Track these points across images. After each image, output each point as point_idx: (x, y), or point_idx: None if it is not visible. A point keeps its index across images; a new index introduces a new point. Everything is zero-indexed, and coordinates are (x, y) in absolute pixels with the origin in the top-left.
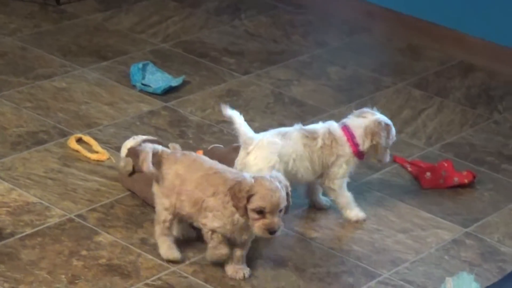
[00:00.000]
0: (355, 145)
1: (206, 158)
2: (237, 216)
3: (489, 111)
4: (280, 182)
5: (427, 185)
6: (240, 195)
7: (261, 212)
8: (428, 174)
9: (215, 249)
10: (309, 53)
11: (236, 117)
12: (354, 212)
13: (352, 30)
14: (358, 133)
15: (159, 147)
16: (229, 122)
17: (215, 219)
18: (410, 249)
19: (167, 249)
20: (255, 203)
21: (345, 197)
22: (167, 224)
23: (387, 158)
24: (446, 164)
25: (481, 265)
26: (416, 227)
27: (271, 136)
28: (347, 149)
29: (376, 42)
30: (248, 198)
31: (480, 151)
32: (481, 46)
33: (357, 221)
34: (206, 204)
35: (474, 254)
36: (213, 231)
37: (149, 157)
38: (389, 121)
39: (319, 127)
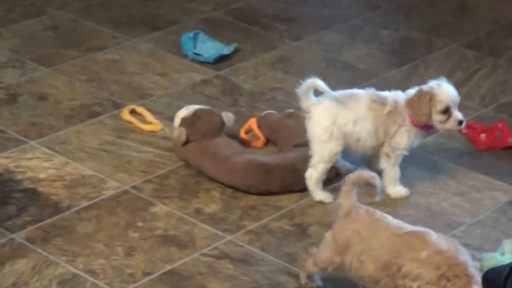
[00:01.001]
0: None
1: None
2: None
3: None
4: None
5: (482, 147)
6: None
7: None
8: (483, 135)
9: None
10: (360, 17)
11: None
12: (397, 189)
13: None
14: None
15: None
16: (281, 89)
17: None
18: (466, 212)
19: None
20: None
21: (395, 172)
22: (322, 272)
23: (450, 125)
24: (500, 125)
25: None
26: (472, 190)
27: (330, 99)
28: (407, 119)
29: (427, 3)
30: None
31: None
32: None
33: (395, 198)
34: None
35: None
36: None
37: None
38: (435, 87)
39: (389, 94)
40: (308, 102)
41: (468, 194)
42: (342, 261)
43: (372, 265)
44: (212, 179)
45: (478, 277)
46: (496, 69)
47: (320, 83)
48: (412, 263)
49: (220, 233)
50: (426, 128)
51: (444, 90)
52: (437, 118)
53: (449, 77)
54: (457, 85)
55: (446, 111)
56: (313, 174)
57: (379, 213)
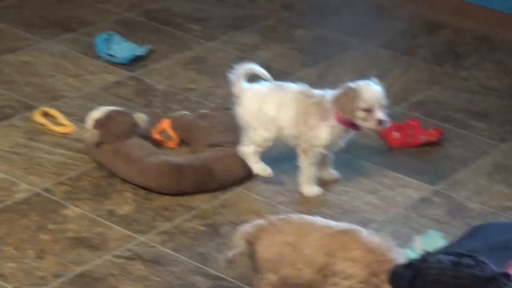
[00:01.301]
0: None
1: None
2: None
3: (455, 68)
4: None
5: (395, 145)
6: None
7: None
8: (395, 133)
9: None
10: (274, 16)
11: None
12: (311, 188)
13: None
14: None
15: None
16: (195, 90)
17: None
18: (378, 209)
19: None
20: None
21: (311, 171)
22: None
23: (371, 124)
24: (413, 123)
25: (449, 222)
26: (384, 187)
27: (260, 86)
28: (331, 114)
29: (342, 3)
30: None
31: (447, 108)
32: (446, 3)
33: (308, 197)
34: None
35: (442, 212)
36: None
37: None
38: (362, 85)
39: (319, 91)
40: (239, 87)
41: (380, 191)
42: (280, 277)
43: (308, 270)
44: (125, 181)
45: None
46: (410, 68)
47: (257, 68)
48: (345, 262)
49: (133, 234)
50: (351, 126)
51: (370, 89)
52: (359, 115)
53: (363, 76)
54: None
55: (369, 110)
56: (246, 150)
57: (297, 217)
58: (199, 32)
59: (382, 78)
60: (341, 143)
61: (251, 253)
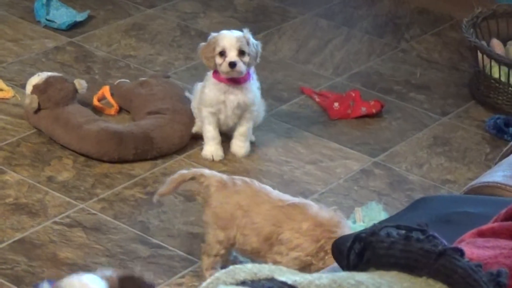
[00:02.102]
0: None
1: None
2: None
3: (396, 40)
4: None
5: (335, 116)
6: None
7: None
8: (336, 104)
9: None
10: None
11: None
12: (208, 150)
13: None
14: None
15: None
16: (135, 57)
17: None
18: (319, 180)
19: None
20: None
21: (206, 131)
22: (218, 258)
23: (224, 66)
24: (353, 94)
25: (389, 194)
26: (325, 158)
27: None
28: (210, 76)
29: None
30: None
31: (388, 80)
32: None
33: (207, 159)
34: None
35: (382, 184)
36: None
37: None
38: (218, 34)
39: None
40: None
41: (320, 162)
42: (227, 236)
43: (255, 238)
44: (64, 147)
45: None
46: (350, 39)
47: None
48: (292, 233)
49: (73, 201)
50: (226, 80)
51: (223, 34)
52: (217, 61)
53: (303, 45)
54: (311, 54)
55: (223, 54)
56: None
57: (257, 184)
58: None
59: (322, 48)
60: (233, 100)
61: (203, 201)
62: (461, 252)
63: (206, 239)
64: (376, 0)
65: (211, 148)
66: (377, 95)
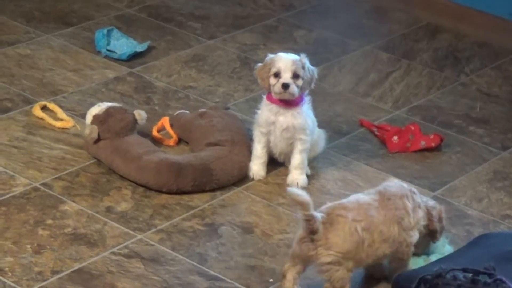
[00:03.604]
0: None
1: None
2: None
3: (456, 73)
4: None
5: (394, 149)
6: None
7: None
8: (395, 137)
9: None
10: (275, 16)
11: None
12: (252, 168)
13: None
14: None
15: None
16: (194, 88)
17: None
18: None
19: None
20: None
21: (253, 149)
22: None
23: (277, 87)
24: (413, 128)
25: (449, 229)
26: None
27: None
28: (264, 98)
29: (342, 4)
30: None
31: (447, 114)
32: (447, 8)
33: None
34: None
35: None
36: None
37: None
38: (273, 56)
39: None
40: None
41: None
42: (358, 260)
43: (385, 244)
44: (123, 178)
45: None
46: (410, 72)
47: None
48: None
49: (131, 232)
50: (278, 101)
51: (279, 56)
52: (271, 82)
53: (363, 78)
54: (371, 87)
55: (277, 75)
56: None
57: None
58: (198, 30)
59: (381, 81)
60: (283, 122)
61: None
62: None
63: (334, 277)
64: (436, 33)
65: (255, 166)
66: (437, 128)
